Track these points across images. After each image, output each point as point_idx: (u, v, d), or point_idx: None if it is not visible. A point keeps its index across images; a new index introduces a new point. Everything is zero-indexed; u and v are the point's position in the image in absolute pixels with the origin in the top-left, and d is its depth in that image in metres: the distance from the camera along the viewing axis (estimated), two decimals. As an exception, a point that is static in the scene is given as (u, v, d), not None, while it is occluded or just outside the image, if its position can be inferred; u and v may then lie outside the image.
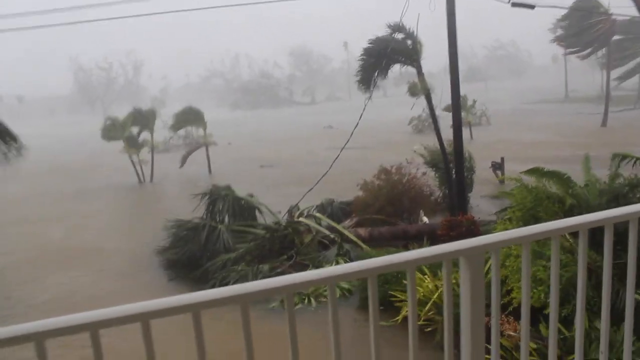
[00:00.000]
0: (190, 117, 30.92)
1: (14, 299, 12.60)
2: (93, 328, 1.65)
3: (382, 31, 15.49)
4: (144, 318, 1.71)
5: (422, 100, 16.37)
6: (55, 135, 66.86)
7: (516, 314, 7.03)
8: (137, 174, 28.61)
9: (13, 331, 1.57)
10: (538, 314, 6.33)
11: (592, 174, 9.87)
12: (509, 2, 15.56)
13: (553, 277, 2.40)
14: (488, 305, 2.26)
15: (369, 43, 15.46)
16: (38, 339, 1.60)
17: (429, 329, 8.37)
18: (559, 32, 49.85)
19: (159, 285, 12.91)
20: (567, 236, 7.55)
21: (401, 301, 9.12)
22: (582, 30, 43.35)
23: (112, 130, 28.34)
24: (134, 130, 29.07)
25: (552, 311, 2.44)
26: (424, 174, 17.05)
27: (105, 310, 1.65)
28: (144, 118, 29.40)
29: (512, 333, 7.19)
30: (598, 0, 40.97)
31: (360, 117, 15.24)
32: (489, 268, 2.43)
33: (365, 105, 14.71)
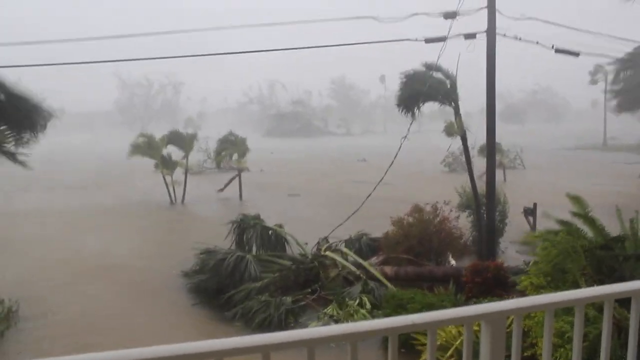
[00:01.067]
0: (231, 143, 31.37)
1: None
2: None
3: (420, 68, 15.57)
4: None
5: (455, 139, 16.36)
6: (92, 151, 68.21)
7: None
8: (169, 194, 28.98)
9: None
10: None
11: (625, 226, 9.71)
12: (552, 47, 15.56)
13: (576, 347, 2.39)
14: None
15: (406, 77, 15.49)
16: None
17: (450, 376, 8.23)
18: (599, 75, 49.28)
19: (182, 308, 13.00)
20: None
21: (423, 344, 9.00)
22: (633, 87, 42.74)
23: (143, 147, 28.75)
24: (168, 150, 29.54)
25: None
26: (458, 217, 16.91)
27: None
28: (181, 140, 29.89)
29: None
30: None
31: (396, 156, 15.27)
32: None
33: (401, 144, 14.75)
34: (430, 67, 15.30)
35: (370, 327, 1.99)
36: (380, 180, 16.58)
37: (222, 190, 30.71)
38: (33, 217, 25.13)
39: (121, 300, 13.50)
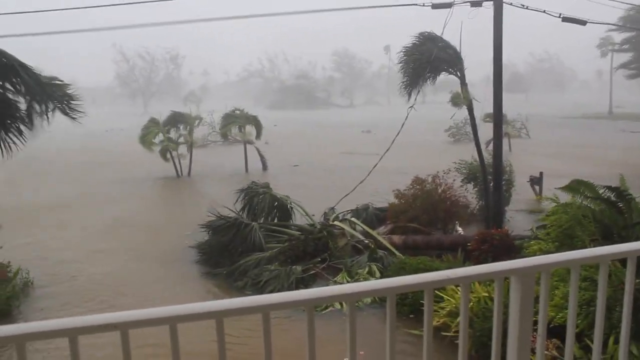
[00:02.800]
0: (237, 117, 31.39)
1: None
2: (172, 322, 1.79)
3: (424, 38, 15.47)
4: (218, 316, 1.84)
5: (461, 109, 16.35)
6: (98, 128, 68.17)
7: (551, 333, 7.00)
8: (175, 168, 29.08)
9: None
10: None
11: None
12: (559, 16, 15.42)
13: (600, 303, 2.45)
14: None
15: (409, 49, 15.43)
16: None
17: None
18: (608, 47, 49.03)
19: (192, 277, 13.16)
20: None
21: (435, 311, 9.12)
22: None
23: (152, 129, 29.05)
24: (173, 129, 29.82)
25: (597, 338, 2.49)
26: (461, 185, 17.01)
27: (182, 306, 1.79)
28: (184, 118, 30.07)
29: (547, 352, 7.16)
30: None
31: (402, 125, 15.25)
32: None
33: (407, 114, 14.70)
34: (436, 39, 15.22)
35: (406, 281, 2.05)
36: (387, 151, 16.60)
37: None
38: (47, 189, 25.26)
39: (133, 273, 13.65)
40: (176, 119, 29.88)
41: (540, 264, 2.26)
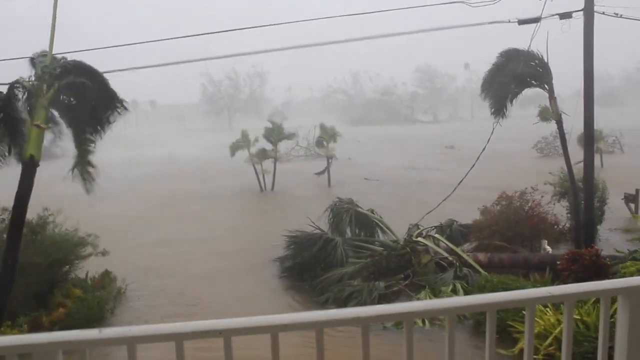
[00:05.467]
0: (325, 134, 31.94)
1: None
2: (274, 331, 1.85)
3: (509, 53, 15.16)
4: (319, 326, 1.88)
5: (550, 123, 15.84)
6: (186, 144, 70.67)
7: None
8: (259, 183, 29.67)
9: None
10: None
11: None
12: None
13: None
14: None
15: (495, 64, 15.15)
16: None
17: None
18: None
19: (275, 291, 13.38)
20: None
21: (519, 332, 8.85)
22: None
23: (240, 143, 29.90)
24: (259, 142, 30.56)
25: None
26: (549, 202, 16.41)
27: (284, 316, 1.85)
28: (271, 132, 30.70)
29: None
30: None
31: (488, 141, 14.96)
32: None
33: (493, 129, 14.42)
34: (522, 51, 14.87)
35: (506, 297, 2.02)
36: (471, 168, 16.34)
37: (319, 174, 31.98)
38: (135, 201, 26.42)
39: (216, 288, 14.02)
40: (266, 135, 30.62)
41: None
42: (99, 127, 11.33)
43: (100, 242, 13.30)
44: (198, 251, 17.19)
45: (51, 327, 10.68)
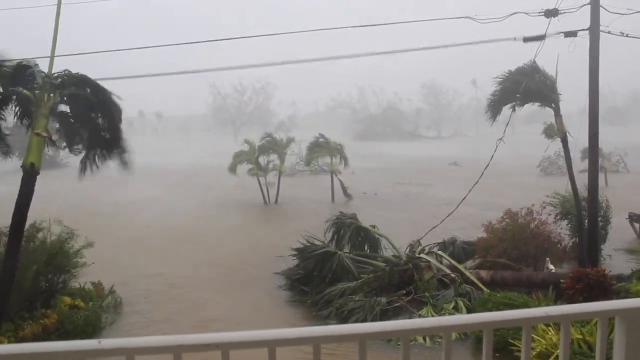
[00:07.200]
0: (322, 147, 31.85)
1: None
2: (271, 345, 1.85)
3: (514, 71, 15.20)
4: (316, 341, 1.88)
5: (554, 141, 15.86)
6: (192, 154, 70.90)
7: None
8: (263, 195, 29.70)
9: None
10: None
11: None
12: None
13: None
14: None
15: (501, 79, 15.19)
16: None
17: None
18: None
19: (277, 304, 13.37)
20: None
21: (520, 350, 8.78)
22: None
23: (243, 154, 29.94)
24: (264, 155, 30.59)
25: None
26: (554, 221, 16.33)
27: (282, 330, 1.84)
28: (276, 145, 30.75)
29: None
30: None
31: (492, 158, 14.96)
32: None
33: (497, 146, 14.42)
34: (527, 68, 14.91)
35: (503, 317, 2.02)
36: (475, 184, 16.33)
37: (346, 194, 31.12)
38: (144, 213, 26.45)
39: (220, 300, 14.02)
40: (268, 147, 30.66)
41: None
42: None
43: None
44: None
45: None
